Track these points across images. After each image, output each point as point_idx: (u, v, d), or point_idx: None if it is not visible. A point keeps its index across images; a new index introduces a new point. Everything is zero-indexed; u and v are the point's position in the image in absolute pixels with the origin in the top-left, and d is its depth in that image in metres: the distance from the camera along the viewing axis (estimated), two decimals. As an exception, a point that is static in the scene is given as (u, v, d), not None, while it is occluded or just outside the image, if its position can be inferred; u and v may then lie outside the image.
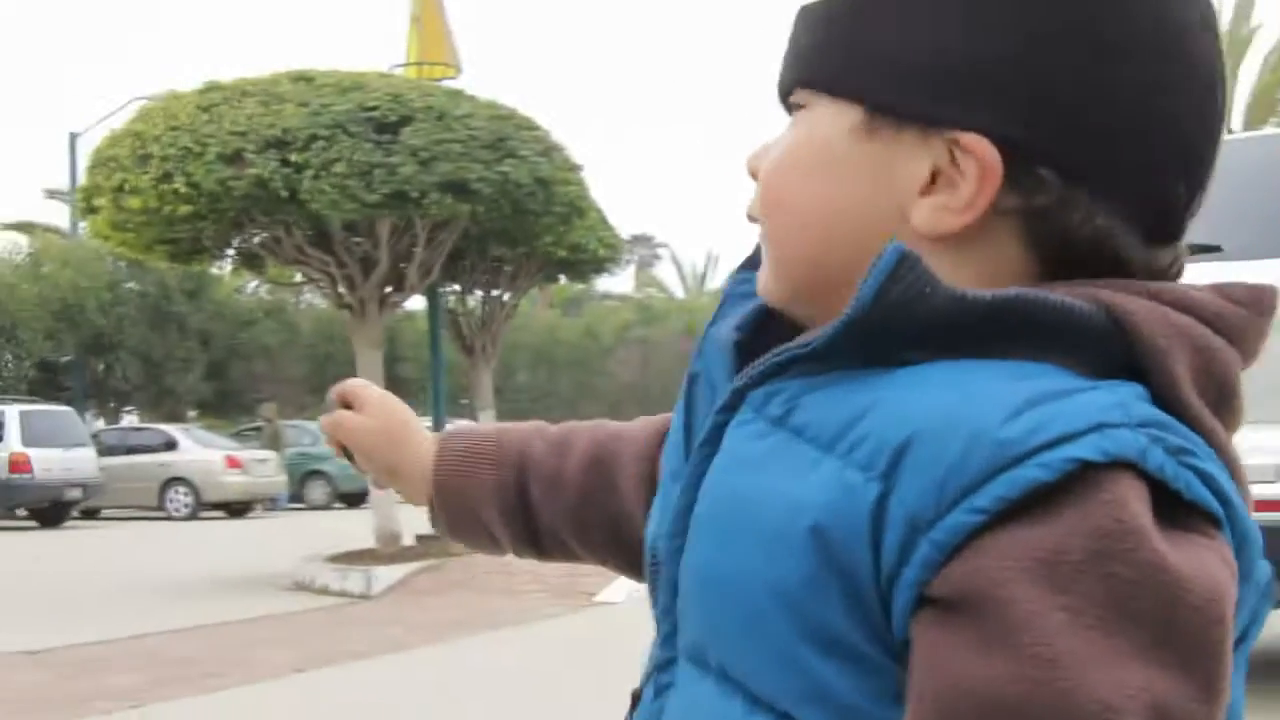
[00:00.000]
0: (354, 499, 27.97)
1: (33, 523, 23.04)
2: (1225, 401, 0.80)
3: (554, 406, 47.95)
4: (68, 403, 27.65)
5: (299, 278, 14.56)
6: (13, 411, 23.71)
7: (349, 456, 1.23)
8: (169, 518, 25.35)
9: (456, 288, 13.89)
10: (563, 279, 15.46)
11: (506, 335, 14.39)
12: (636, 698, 0.93)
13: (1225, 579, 0.72)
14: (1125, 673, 0.68)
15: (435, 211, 11.07)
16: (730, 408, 0.85)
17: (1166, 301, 0.80)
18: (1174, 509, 0.71)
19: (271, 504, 27.45)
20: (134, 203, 10.89)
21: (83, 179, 11.99)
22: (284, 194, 10.68)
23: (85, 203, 11.72)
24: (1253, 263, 5.03)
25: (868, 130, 0.85)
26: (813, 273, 0.87)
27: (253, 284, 33.28)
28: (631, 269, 36.45)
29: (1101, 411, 0.72)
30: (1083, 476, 0.70)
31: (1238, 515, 0.75)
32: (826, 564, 0.76)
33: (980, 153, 0.81)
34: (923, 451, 0.73)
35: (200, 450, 26.51)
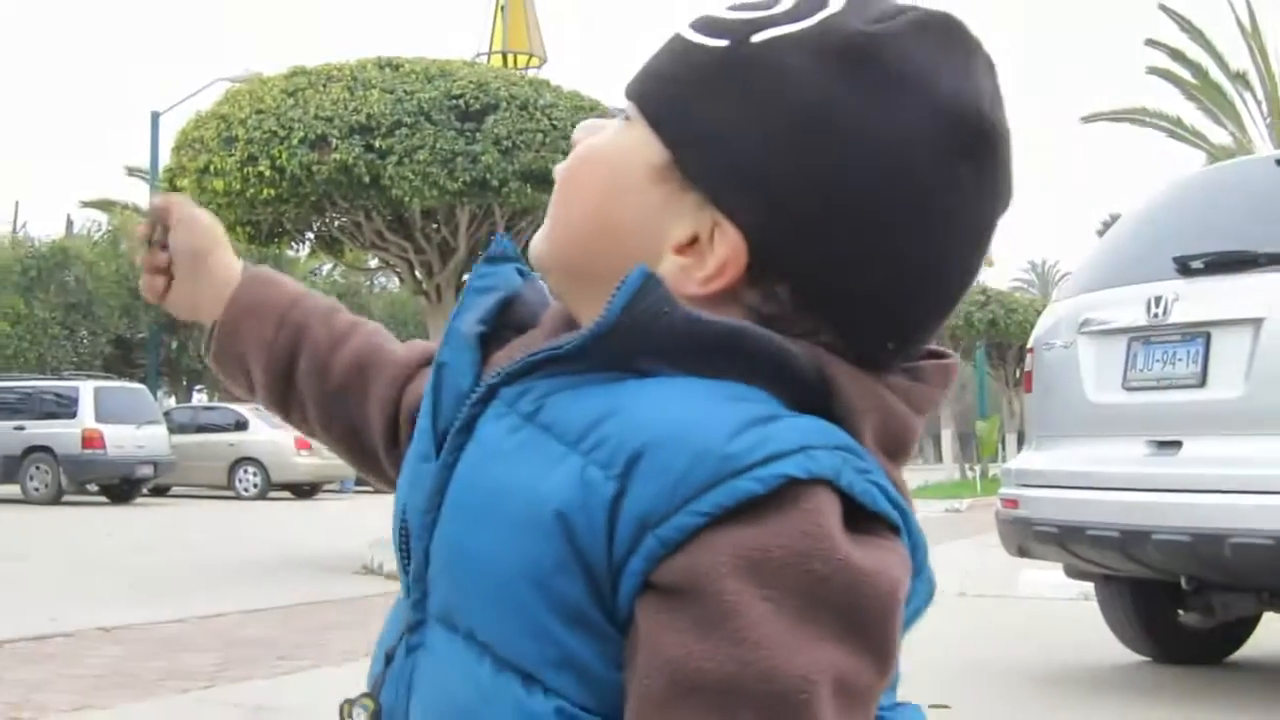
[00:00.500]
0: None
1: (103, 498, 23.20)
2: (899, 450, 0.93)
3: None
4: (141, 380, 27.92)
5: (374, 263, 14.66)
6: (87, 387, 23.86)
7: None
8: (238, 497, 25.61)
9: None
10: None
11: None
12: (390, 657, 1.00)
13: (901, 574, 0.85)
14: (818, 652, 0.80)
15: (515, 200, 11.09)
16: (483, 400, 0.93)
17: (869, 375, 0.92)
18: (860, 518, 0.84)
19: (339, 486, 27.59)
20: (218, 184, 10.97)
21: (167, 159, 12.10)
22: (366, 179, 10.74)
23: (169, 183, 11.82)
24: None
25: (663, 174, 0.93)
26: (578, 256, 0.98)
27: (326, 267, 33.52)
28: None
29: (806, 435, 0.84)
30: (789, 489, 0.81)
31: (912, 524, 0.88)
32: (569, 547, 0.84)
33: (732, 243, 0.90)
34: (656, 459, 0.83)
35: (270, 431, 26.58)
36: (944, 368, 0.99)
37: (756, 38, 0.93)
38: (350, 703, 1.02)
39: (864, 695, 0.84)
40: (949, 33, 0.94)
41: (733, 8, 0.97)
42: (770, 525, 0.81)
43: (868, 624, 0.83)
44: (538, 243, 1.01)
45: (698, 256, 0.92)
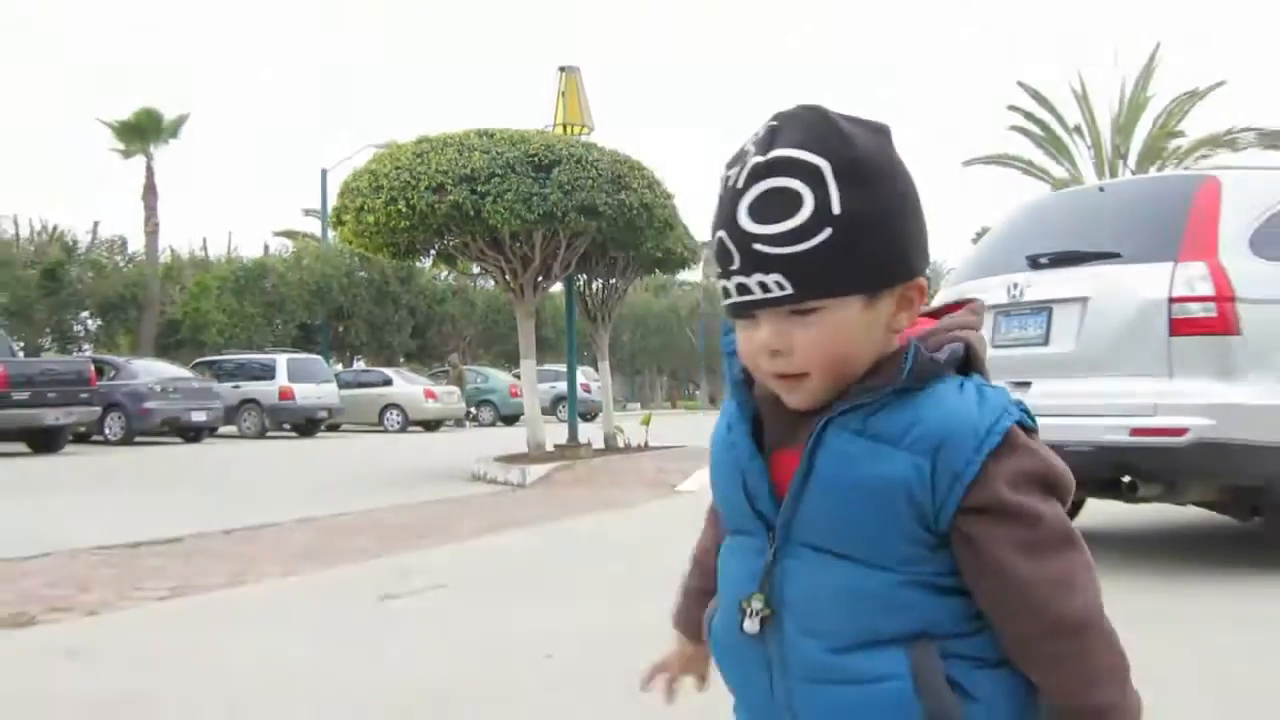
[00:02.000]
0: (511, 420, 28.21)
1: (294, 434, 23.42)
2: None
3: (645, 359, 48.17)
4: (318, 353, 28.10)
5: (477, 270, 14.72)
6: (281, 359, 24.23)
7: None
8: (385, 431, 25.75)
9: (584, 277, 13.94)
10: (657, 272, 15.41)
11: (617, 310, 14.41)
12: (767, 569, 1.05)
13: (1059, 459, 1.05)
14: (1057, 509, 1.03)
15: (573, 226, 11.14)
16: (821, 429, 1.02)
17: (971, 329, 1.07)
18: (1027, 429, 1.02)
19: (455, 423, 27.76)
20: (370, 219, 11.05)
21: (334, 201, 12.15)
22: (471, 213, 10.81)
23: (336, 218, 11.88)
24: (1139, 265, 5.01)
25: (870, 302, 1.00)
26: (849, 382, 1.02)
27: (445, 274, 33.62)
28: (702, 264, 36.47)
29: (1001, 399, 1.02)
30: (1009, 434, 1.00)
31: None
32: (909, 500, 0.99)
33: (921, 285, 1.03)
34: (948, 443, 0.99)
35: (407, 385, 27.08)
36: (978, 305, 1.12)
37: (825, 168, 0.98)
38: (747, 599, 1.05)
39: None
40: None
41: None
42: (1012, 457, 1.00)
43: (1064, 490, 1.03)
44: (809, 399, 1.03)
45: (908, 306, 1.03)
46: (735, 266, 0.99)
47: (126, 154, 33.34)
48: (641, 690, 1.23)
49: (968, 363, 1.04)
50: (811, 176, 0.96)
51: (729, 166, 1.02)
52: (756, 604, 1.04)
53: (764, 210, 0.97)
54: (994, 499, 0.98)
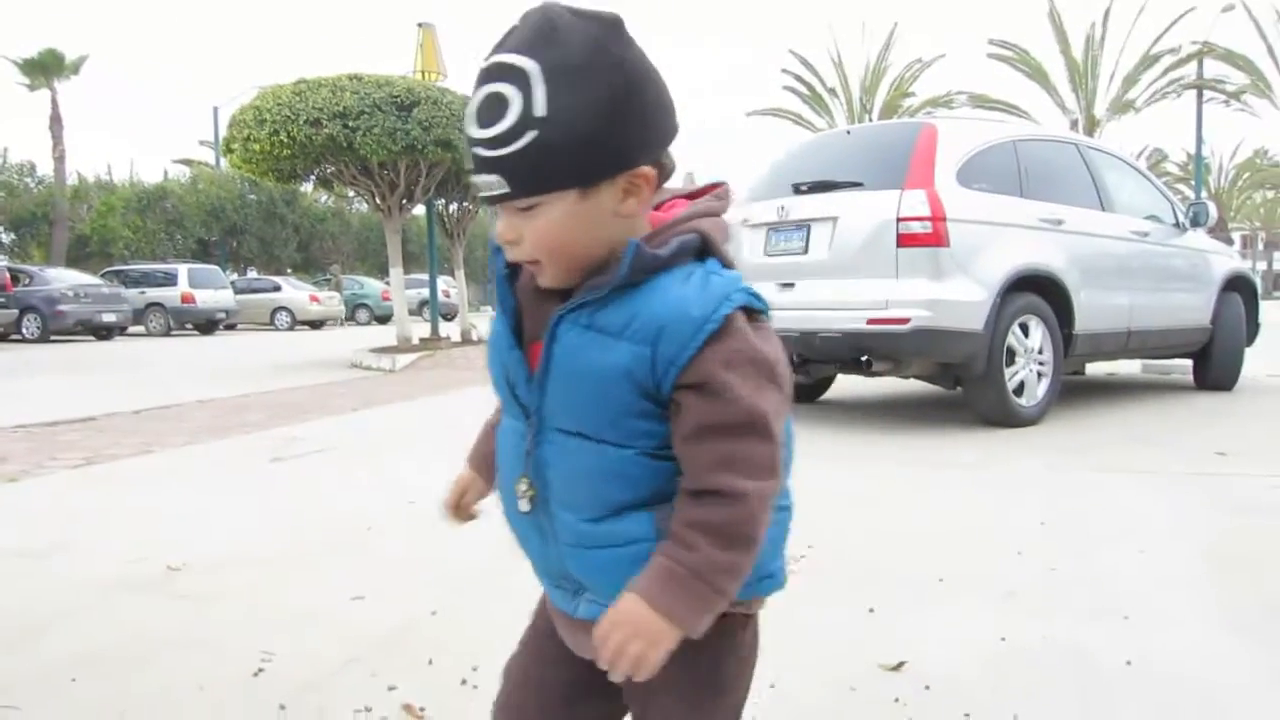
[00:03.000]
0: (384, 320, 27.49)
1: (195, 332, 22.27)
2: (728, 245, 0.95)
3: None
4: (215, 264, 26.66)
5: (352, 193, 14.13)
6: (183, 268, 22.92)
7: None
8: (276, 329, 24.71)
9: (443, 200, 13.54)
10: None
11: (471, 228, 14.08)
12: (527, 454, 0.98)
13: (780, 346, 0.94)
14: (768, 397, 0.89)
15: (432, 157, 10.76)
16: (555, 323, 0.93)
17: (713, 216, 0.95)
18: (754, 313, 0.91)
19: (336, 323, 26.92)
20: (255, 148, 10.40)
21: (224, 133, 11.41)
22: (345, 145, 10.31)
23: (226, 147, 11.15)
24: (876, 191, 5.16)
25: (585, 194, 0.89)
26: (581, 266, 0.92)
27: (324, 197, 32.22)
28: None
29: (725, 286, 0.90)
30: (729, 319, 0.89)
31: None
32: (632, 383, 0.90)
33: (644, 174, 0.91)
34: (666, 331, 0.88)
35: (294, 291, 25.93)
36: (725, 189, 1.01)
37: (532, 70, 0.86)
38: (516, 481, 0.99)
39: (784, 414, 0.92)
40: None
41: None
42: (727, 342, 0.88)
43: (779, 378, 0.91)
44: (548, 279, 0.94)
45: (636, 192, 0.91)
46: (471, 167, 0.91)
47: (31, 87, 30.39)
48: (445, 511, 1.19)
49: (707, 248, 0.93)
50: (520, 80, 0.86)
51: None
52: (523, 486, 0.98)
53: (481, 114, 0.88)
54: (705, 376, 0.89)
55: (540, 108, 0.85)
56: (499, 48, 0.89)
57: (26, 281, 18.39)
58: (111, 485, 4.01)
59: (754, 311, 0.92)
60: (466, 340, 13.38)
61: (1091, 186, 5.96)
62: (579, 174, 0.88)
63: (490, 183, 0.89)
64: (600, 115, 0.87)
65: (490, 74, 0.88)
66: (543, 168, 0.87)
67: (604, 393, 0.91)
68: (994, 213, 5.18)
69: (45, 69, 29.94)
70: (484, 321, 15.30)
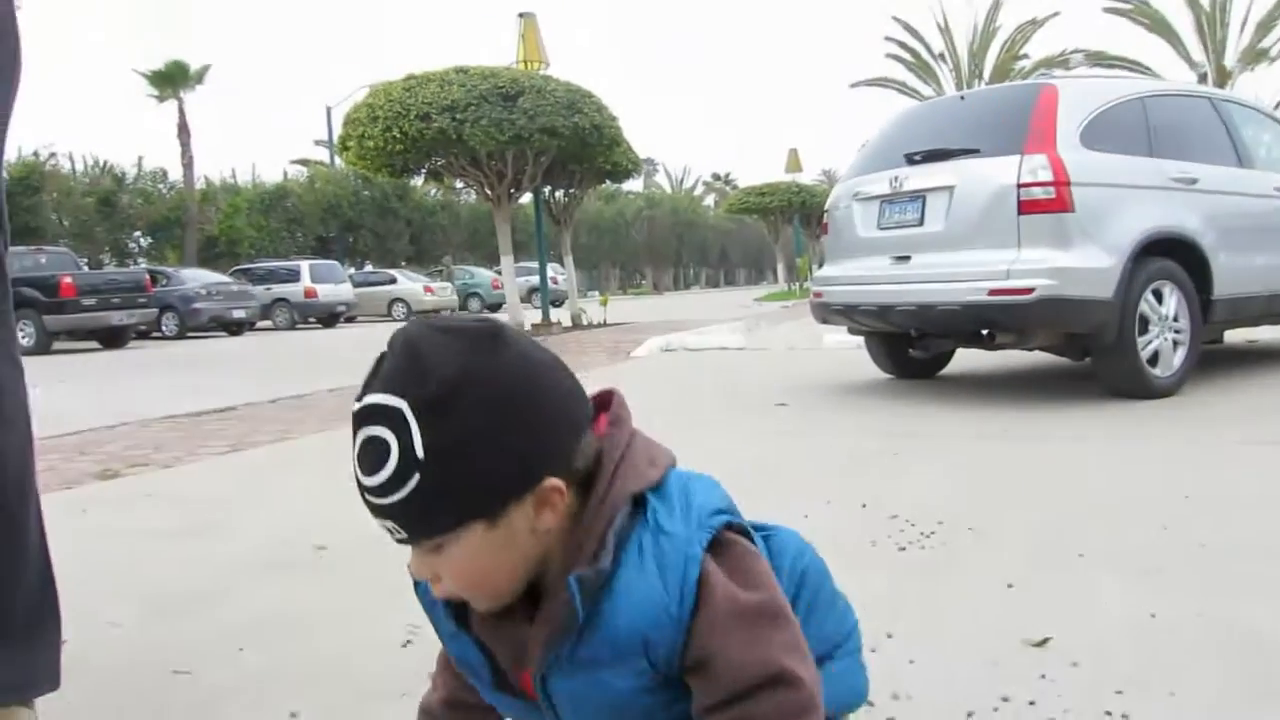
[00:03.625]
0: (494, 308, 28.11)
1: (318, 325, 23.17)
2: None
3: (600, 255, 47.86)
4: (334, 259, 27.66)
5: (461, 185, 14.46)
6: (305, 264, 23.88)
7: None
8: (393, 320, 25.49)
9: (549, 188, 13.74)
10: (607, 182, 15.25)
11: (576, 215, 14.25)
12: None
13: (760, 555, 0.90)
14: (771, 640, 0.83)
15: (538, 145, 10.97)
16: (540, 680, 0.86)
17: (619, 448, 0.87)
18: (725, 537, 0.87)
19: (451, 312, 27.65)
20: (369, 144, 10.81)
21: (339, 131, 11.83)
22: (454, 137, 10.58)
23: (341, 145, 11.61)
24: (994, 158, 5.01)
25: (493, 524, 0.81)
26: (513, 589, 0.85)
27: (434, 190, 33.02)
28: (642, 176, 36.22)
29: (681, 549, 0.83)
30: (700, 582, 0.82)
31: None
32: (649, 693, 0.84)
33: (554, 485, 0.82)
34: (652, 639, 0.81)
35: (409, 282, 26.82)
36: (616, 399, 0.91)
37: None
38: None
39: (792, 632, 0.86)
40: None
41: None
42: (708, 609, 0.82)
43: (771, 606, 0.85)
44: (482, 607, 0.87)
45: (550, 506, 0.83)
46: (369, 511, 0.83)
47: (160, 99, 32.01)
48: None
49: (639, 502, 0.85)
50: (394, 421, 0.78)
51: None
52: None
53: (364, 460, 0.81)
54: (702, 655, 0.82)
55: (419, 448, 0.78)
56: (370, 382, 0.82)
57: (164, 282, 19.47)
58: (256, 470, 4.23)
59: (721, 540, 0.85)
60: (576, 325, 13.56)
61: (1228, 142, 5.64)
62: (476, 508, 0.81)
63: (389, 527, 0.83)
64: (485, 444, 0.79)
65: (365, 417, 0.81)
66: (435, 510, 0.80)
67: (625, 711, 0.86)
68: (1121, 174, 4.97)
69: (172, 80, 31.47)
70: (593, 306, 15.43)
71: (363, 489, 0.82)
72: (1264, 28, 26.56)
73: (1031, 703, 1.51)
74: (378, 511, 0.82)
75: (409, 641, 2.00)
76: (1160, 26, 27.78)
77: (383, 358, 0.83)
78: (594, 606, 0.82)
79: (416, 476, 0.78)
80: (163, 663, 1.94)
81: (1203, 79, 26.61)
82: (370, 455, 0.80)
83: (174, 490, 3.82)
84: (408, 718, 1.62)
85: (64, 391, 8.17)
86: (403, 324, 0.85)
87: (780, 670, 0.81)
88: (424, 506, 0.79)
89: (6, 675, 1.35)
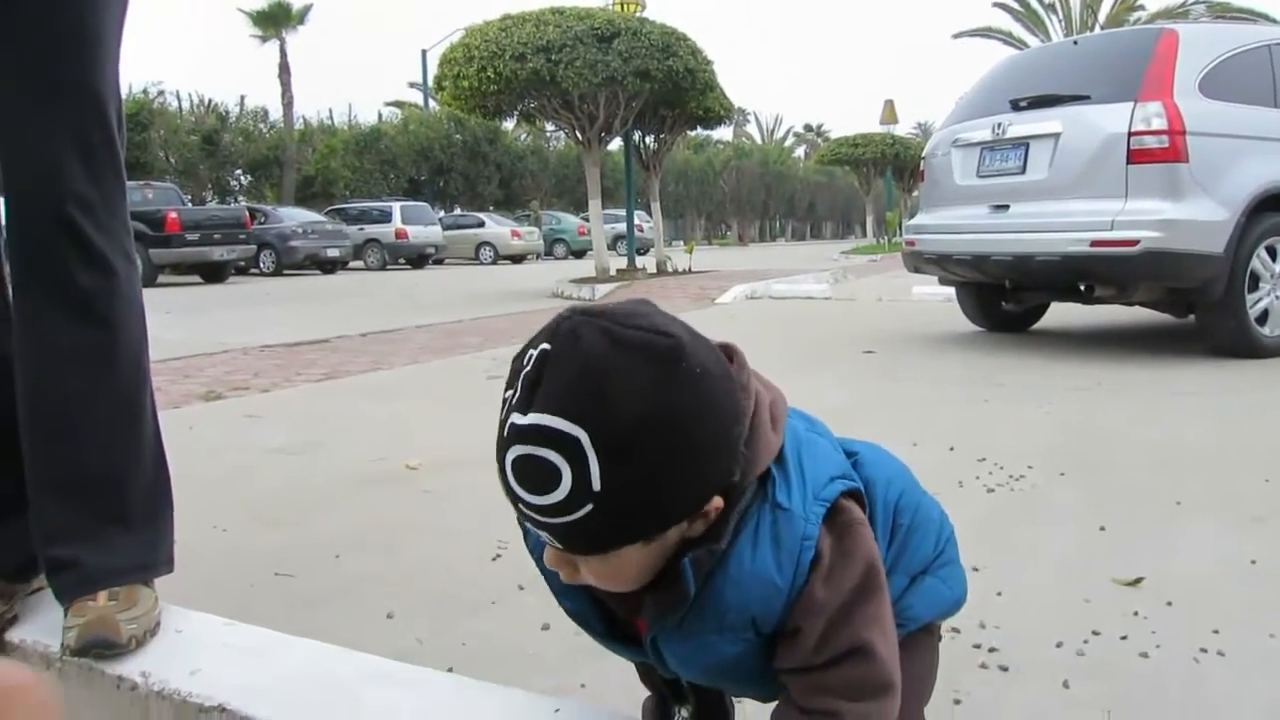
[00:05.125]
0: (580, 254, 28.20)
1: (408, 266, 23.60)
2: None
3: (687, 205, 47.55)
4: (424, 200, 28.02)
5: (552, 128, 14.48)
6: (396, 206, 24.23)
7: None
8: (480, 263, 25.84)
9: (640, 132, 13.65)
10: (699, 129, 15.07)
11: (666, 161, 14.15)
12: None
13: (869, 533, 0.86)
14: (866, 613, 0.83)
15: (631, 88, 10.89)
16: (650, 641, 0.88)
17: (752, 407, 0.82)
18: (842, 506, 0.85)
19: (536, 257, 27.84)
20: (465, 84, 10.85)
21: (434, 72, 11.94)
22: (548, 78, 10.58)
23: (437, 85, 11.68)
24: (1105, 105, 4.81)
25: (647, 543, 0.78)
26: (642, 583, 0.82)
27: (524, 135, 33.10)
28: (734, 125, 35.84)
29: (797, 529, 0.81)
30: (814, 561, 0.81)
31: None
32: (753, 656, 0.84)
33: (717, 504, 0.78)
34: (759, 615, 0.82)
35: (497, 226, 27.02)
36: (737, 355, 0.85)
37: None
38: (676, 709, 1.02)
39: (884, 606, 0.84)
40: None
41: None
42: (812, 589, 0.81)
43: (872, 583, 0.84)
44: (613, 590, 0.85)
45: (703, 518, 0.79)
46: (516, 512, 0.78)
47: (263, 39, 32.71)
48: None
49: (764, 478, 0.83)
50: (569, 449, 0.73)
51: (507, 387, 0.79)
52: (684, 712, 1.01)
53: (524, 476, 0.75)
54: (798, 622, 0.82)
55: (596, 482, 0.73)
56: (530, 393, 0.75)
57: (262, 220, 20.04)
58: (350, 396, 4.37)
59: (839, 508, 0.83)
60: (662, 271, 13.55)
61: (1361, 94, 5.30)
62: (641, 534, 0.78)
63: (540, 534, 0.79)
64: (665, 481, 0.75)
65: (530, 436, 0.74)
66: (602, 536, 0.77)
67: (732, 671, 0.86)
68: (1242, 125, 4.73)
69: (275, 20, 32.11)
70: (678, 254, 15.41)
71: (518, 499, 0.77)
72: None
73: (1124, 637, 1.49)
74: (535, 523, 0.77)
75: (498, 555, 2.06)
76: (1291, -26, 26.16)
77: (540, 360, 0.76)
78: (707, 583, 0.82)
79: (589, 507, 0.74)
80: (266, 566, 2.04)
81: (1336, 31, 24.98)
82: (535, 475, 0.74)
83: (276, 412, 3.97)
84: (498, 623, 1.69)
85: (168, 321, 8.52)
86: (564, 315, 0.78)
87: (862, 644, 0.81)
88: (590, 532, 0.76)
89: (132, 555, 1.44)
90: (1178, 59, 4.76)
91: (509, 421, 0.76)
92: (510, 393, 0.77)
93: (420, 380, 4.84)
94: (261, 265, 19.87)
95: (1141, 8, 29.28)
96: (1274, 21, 25.52)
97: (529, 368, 0.76)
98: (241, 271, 19.18)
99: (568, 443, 0.72)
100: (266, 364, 5.52)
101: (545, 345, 0.76)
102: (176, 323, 8.45)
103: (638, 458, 0.73)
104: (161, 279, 16.24)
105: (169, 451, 1.54)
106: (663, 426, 0.73)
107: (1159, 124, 4.59)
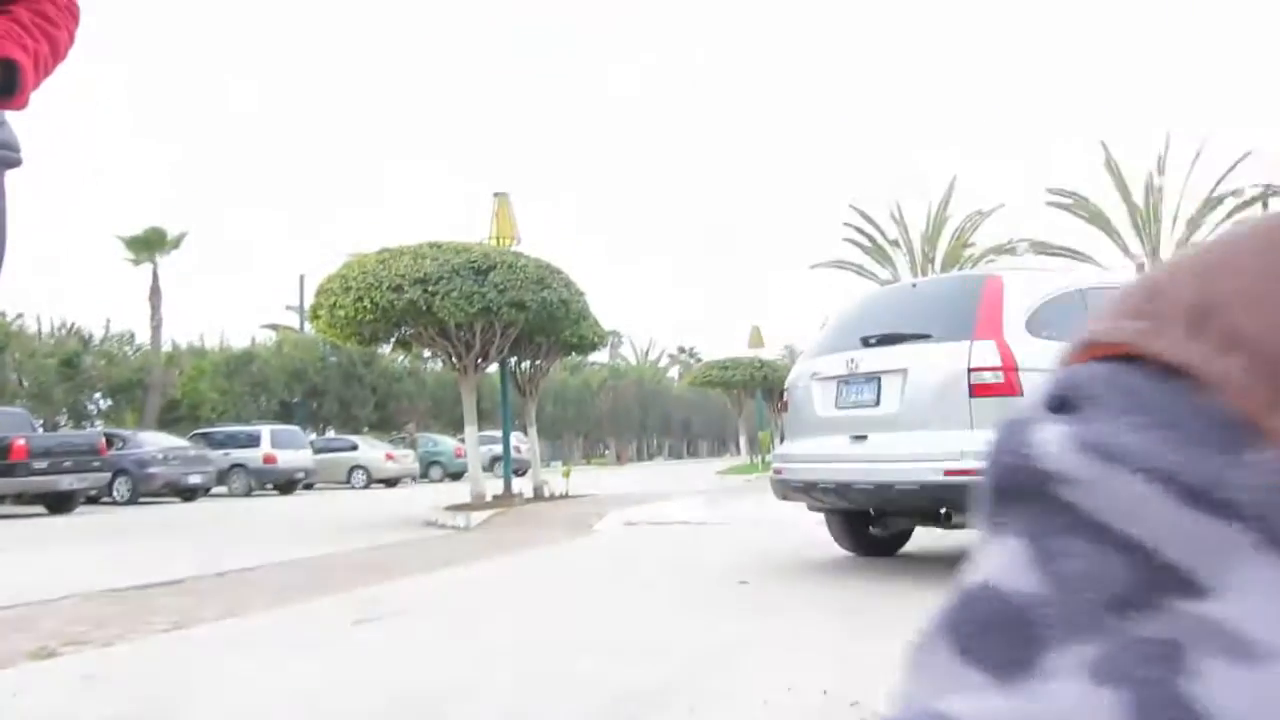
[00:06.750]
0: (457, 476, 27.75)
1: (276, 492, 22.76)
2: None
3: (564, 425, 47.94)
4: (296, 424, 27.38)
5: (428, 354, 14.60)
6: (266, 429, 23.49)
7: None
8: (352, 488, 25.13)
9: (515, 358, 13.89)
10: (573, 354, 15.42)
11: (542, 385, 14.36)
12: None
13: None
14: None
15: (506, 318, 11.18)
16: None
17: None
18: None
19: (411, 480, 27.26)
20: (341, 313, 10.94)
21: (311, 300, 12.03)
22: (424, 309, 10.78)
23: (313, 313, 11.74)
24: (945, 343, 5.21)
25: None
26: None
27: (401, 358, 33.20)
28: (608, 348, 36.94)
29: None
30: None
31: None
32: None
33: None
34: None
35: (370, 450, 26.45)
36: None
37: None
38: None
39: None
40: None
41: None
42: None
43: None
44: None
45: None
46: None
47: (136, 262, 32.42)
48: None
49: None
50: None
51: None
52: None
53: None
54: None
55: None
56: None
57: (120, 445, 19.12)
58: (200, 651, 4.07)
59: None
60: (539, 496, 13.45)
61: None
62: None
63: None
64: None
65: None
66: None
67: None
68: (1066, 361, 5.17)
69: (149, 245, 31.99)
70: (555, 476, 15.38)
71: None
72: (1194, 224, 28.27)
73: None
74: None
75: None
76: (1098, 220, 29.45)
77: None
78: None
79: None
80: None
81: (1140, 269, 28.05)
82: None
83: (111, 671, 3.66)
84: None
85: (2, 561, 7.88)
86: None
87: None
88: None
89: None
90: (1004, 302, 5.24)
91: None
92: None
93: (280, 629, 4.57)
94: (115, 494, 18.79)
95: (973, 244, 32.30)
96: (1088, 258, 28.54)
97: None
98: (93, 500, 18.06)
99: None
100: (111, 611, 5.12)
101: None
102: (12, 562, 7.82)
103: None
104: (1, 510, 15.14)
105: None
106: None
107: (994, 360, 4.98)
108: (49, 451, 15.76)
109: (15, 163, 1.47)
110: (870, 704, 2.68)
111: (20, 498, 15.54)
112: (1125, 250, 29.39)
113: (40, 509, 15.96)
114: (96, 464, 16.51)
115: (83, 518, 15.03)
